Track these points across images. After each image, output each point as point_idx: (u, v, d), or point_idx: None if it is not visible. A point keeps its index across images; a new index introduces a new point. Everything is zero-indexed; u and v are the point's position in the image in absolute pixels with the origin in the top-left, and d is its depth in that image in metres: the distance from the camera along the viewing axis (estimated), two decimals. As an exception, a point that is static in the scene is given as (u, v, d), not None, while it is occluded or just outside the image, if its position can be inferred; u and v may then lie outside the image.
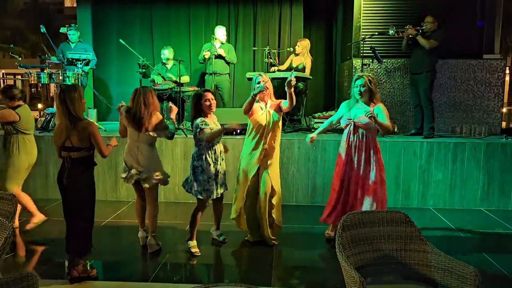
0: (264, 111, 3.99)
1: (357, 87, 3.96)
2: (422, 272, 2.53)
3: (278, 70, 6.78)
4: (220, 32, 6.98)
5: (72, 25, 7.10)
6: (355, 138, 4.02)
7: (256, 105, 4.00)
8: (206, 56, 6.87)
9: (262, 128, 3.98)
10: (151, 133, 3.83)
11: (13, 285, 2.13)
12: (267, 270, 3.71)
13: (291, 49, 6.95)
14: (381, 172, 4.02)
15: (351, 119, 4.01)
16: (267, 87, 3.98)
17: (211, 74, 6.87)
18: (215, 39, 6.89)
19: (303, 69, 6.70)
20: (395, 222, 2.64)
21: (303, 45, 6.81)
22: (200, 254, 3.96)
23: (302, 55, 6.81)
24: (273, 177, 4.08)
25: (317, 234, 4.50)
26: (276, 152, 4.09)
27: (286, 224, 4.48)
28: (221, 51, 6.84)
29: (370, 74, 4.02)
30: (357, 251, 2.55)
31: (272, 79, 6.21)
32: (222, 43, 7.02)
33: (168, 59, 6.97)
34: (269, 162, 4.05)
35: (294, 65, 6.75)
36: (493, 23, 6.84)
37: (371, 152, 4.00)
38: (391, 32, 5.96)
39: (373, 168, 3.98)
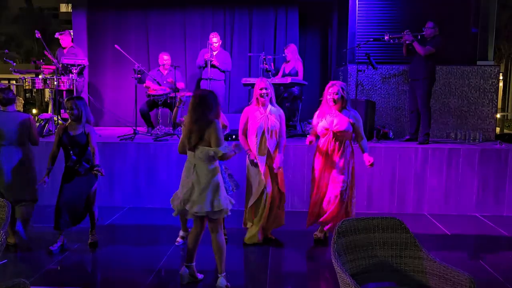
0: (263, 115, 4.09)
1: (330, 95, 4.03)
2: (417, 278, 2.53)
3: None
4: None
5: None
6: (332, 145, 4.13)
7: (254, 110, 4.14)
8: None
9: (261, 132, 4.08)
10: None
11: (4, 293, 2.10)
12: (262, 275, 3.69)
13: (285, 55, 6.94)
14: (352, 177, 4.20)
15: (328, 128, 4.08)
16: (267, 93, 4.08)
17: (207, 79, 6.86)
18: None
19: (296, 74, 6.70)
20: (390, 228, 2.64)
21: (290, 50, 6.82)
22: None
23: (293, 60, 6.82)
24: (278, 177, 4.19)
25: (313, 240, 4.48)
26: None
27: (282, 229, 4.47)
28: (216, 63, 6.84)
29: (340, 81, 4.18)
30: (352, 258, 2.55)
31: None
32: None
33: (164, 64, 6.96)
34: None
35: (287, 72, 6.76)
36: (487, 29, 6.90)
37: (348, 158, 4.13)
38: (386, 38, 5.98)
39: (344, 174, 4.11)
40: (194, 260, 3.43)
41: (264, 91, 4.07)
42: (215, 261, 3.38)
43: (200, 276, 3.48)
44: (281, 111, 4.24)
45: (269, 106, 4.13)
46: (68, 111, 4.03)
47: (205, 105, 3.21)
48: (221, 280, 3.31)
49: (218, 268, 3.35)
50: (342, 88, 4.04)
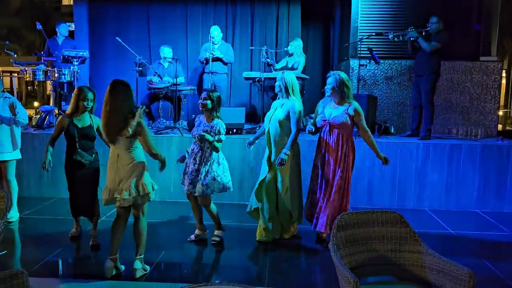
0: (275, 107, 4.17)
1: (327, 85, 3.96)
2: (416, 273, 2.52)
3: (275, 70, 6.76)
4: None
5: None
6: (329, 138, 4.01)
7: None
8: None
9: (268, 122, 4.17)
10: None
11: (2, 283, 2.10)
12: (261, 269, 3.69)
13: (287, 49, 6.91)
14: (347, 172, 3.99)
15: (326, 119, 3.98)
16: (278, 86, 4.10)
17: (208, 73, 6.84)
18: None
19: (297, 68, 6.68)
20: (390, 222, 2.63)
21: (295, 45, 6.79)
22: None
23: (296, 55, 6.80)
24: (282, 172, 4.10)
25: (311, 234, 4.47)
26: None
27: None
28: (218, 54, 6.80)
29: (341, 73, 3.93)
30: (351, 252, 2.54)
31: (270, 79, 6.20)
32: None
33: (165, 57, 6.93)
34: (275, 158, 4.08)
35: (290, 65, 6.74)
36: (490, 25, 6.85)
37: (345, 152, 3.96)
38: (390, 36, 5.92)
39: (341, 168, 3.95)
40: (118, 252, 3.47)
41: (275, 83, 4.15)
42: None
43: (123, 267, 3.52)
44: (293, 101, 4.04)
45: (284, 98, 4.10)
46: (86, 102, 3.86)
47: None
48: (137, 262, 3.43)
49: (138, 251, 3.43)
50: (335, 79, 3.85)
